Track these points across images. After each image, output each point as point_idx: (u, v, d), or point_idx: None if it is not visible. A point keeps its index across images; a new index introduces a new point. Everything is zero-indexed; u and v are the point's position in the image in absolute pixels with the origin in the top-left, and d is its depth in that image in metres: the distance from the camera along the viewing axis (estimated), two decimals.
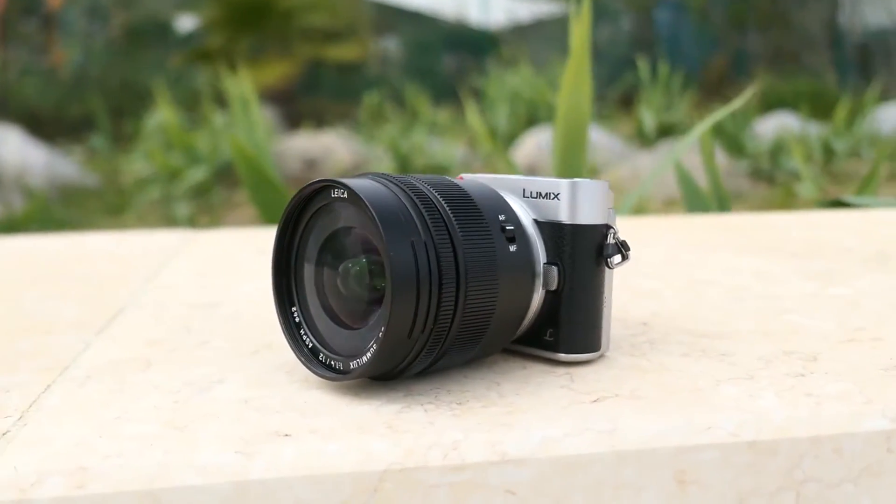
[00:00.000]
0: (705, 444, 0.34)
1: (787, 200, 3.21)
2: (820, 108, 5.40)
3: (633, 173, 3.93)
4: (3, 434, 0.35)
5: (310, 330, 0.40)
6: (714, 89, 6.56)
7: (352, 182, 0.37)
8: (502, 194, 0.42)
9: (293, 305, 0.41)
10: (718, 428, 0.35)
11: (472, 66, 7.57)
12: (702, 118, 4.99)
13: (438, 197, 0.38)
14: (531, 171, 4.16)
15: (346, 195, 0.37)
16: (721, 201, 1.08)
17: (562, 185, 0.41)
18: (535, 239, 0.41)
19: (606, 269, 0.42)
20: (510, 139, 4.56)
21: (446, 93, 6.08)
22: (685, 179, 1.14)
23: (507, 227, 0.40)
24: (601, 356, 0.43)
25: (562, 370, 0.41)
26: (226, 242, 0.82)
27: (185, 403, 0.37)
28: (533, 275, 0.41)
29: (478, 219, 0.39)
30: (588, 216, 0.41)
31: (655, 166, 3.54)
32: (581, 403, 0.37)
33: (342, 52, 7.06)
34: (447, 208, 0.38)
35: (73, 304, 0.57)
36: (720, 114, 1.09)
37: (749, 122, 4.53)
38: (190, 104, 5.04)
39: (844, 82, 6.95)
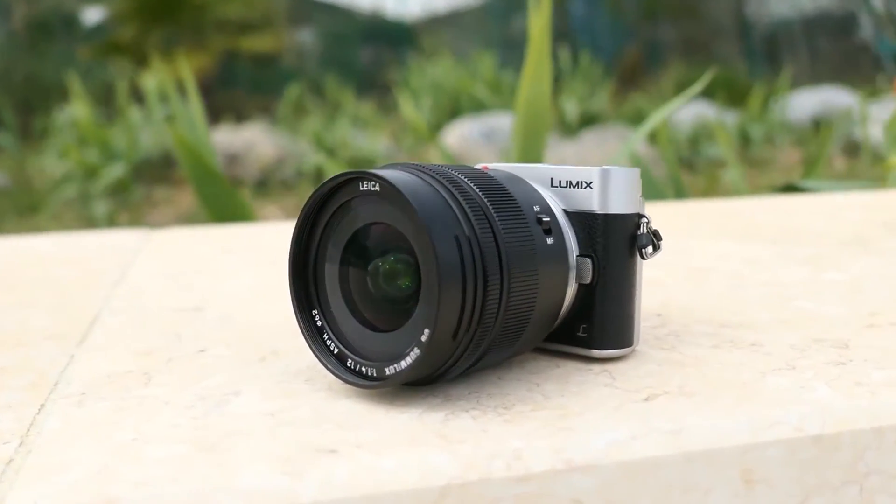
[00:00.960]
0: (771, 440, 0.33)
1: (711, 187, 3.27)
2: (733, 96, 5.53)
3: (559, 162, 3.96)
4: (8, 463, 0.31)
5: (334, 334, 0.37)
6: (629, 79, 6.67)
7: (385, 174, 0.34)
8: (532, 184, 0.40)
9: (313, 309, 0.38)
10: (783, 423, 0.33)
11: (389, 58, 7.52)
12: (621, 108, 5.07)
13: (476, 188, 0.36)
14: (458, 162, 4.15)
15: (378, 188, 0.34)
16: (678, 189, 1.08)
17: (594, 173, 0.39)
18: (567, 230, 0.39)
19: (639, 260, 0.40)
20: (434, 130, 4.54)
21: (365, 85, 6.03)
22: (640, 168, 1.14)
23: (544, 219, 0.38)
24: (633, 351, 0.41)
25: (598, 367, 0.39)
26: (185, 242, 0.78)
27: (205, 420, 0.34)
28: (567, 268, 0.38)
29: (516, 211, 0.36)
30: (621, 205, 0.39)
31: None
32: (633, 403, 0.35)
33: (258, 44, 6.93)
34: (486, 200, 0.35)
35: (40, 313, 0.53)
36: (677, 102, 1.09)
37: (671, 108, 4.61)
38: (101, 99, 4.86)
39: (754, 71, 7.15)
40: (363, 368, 0.36)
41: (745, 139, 4.29)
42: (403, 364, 0.34)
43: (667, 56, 7.95)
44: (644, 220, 0.40)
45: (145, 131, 3.90)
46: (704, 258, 0.64)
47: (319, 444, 0.31)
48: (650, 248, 0.40)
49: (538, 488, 0.31)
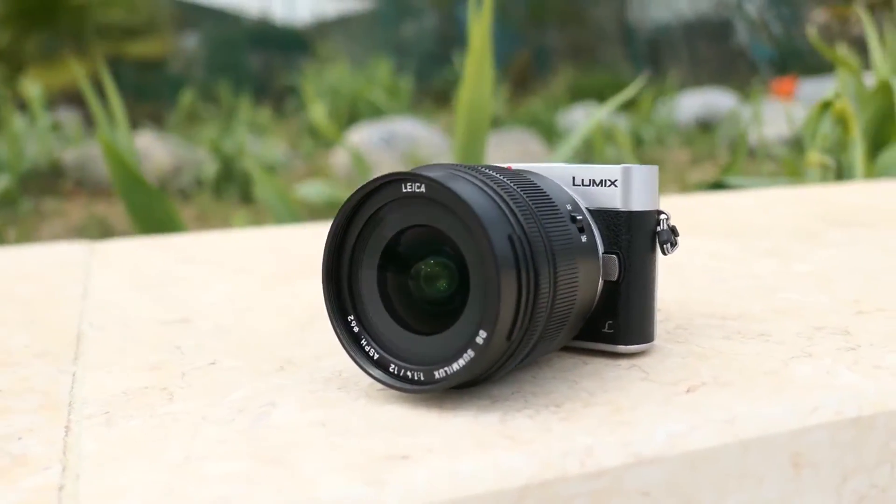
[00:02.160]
0: (815, 424, 0.34)
1: None
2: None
3: None
4: (60, 489, 0.29)
5: (373, 340, 0.36)
6: (520, 84, 6.78)
7: (432, 174, 0.34)
8: (558, 183, 0.40)
9: (349, 315, 0.37)
10: (824, 408, 0.35)
11: (280, 64, 7.43)
12: (516, 111, 5.14)
13: (516, 188, 0.36)
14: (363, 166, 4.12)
15: (423, 189, 0.34)
16: None
17: (617, 171, 0.40)
18: (594, 228, 0.39)
19: (660, 255, 0.41)
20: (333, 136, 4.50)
21: (258, 91, 5.93)
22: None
23: (577, 217, 0.38)
24: (653, 345, 0.42)
25: (625, 362, 0.40)
26: (135, 254, 0.75)
27: (253, 433, 0.33)
28: (598, 265, 0.39)
29: (554, 209, 0.37)
30: (643, 202, 0.40)
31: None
32: (676, 395, 0.36)
33: (142, 50, 6.73)
34: (528, 199, 0.35)
35: (15, 330, 0.50)
36: (614, 102, 1.11)
37: (560, 111, 4.72)
38: None
39: (638, 75, 7.38)
40: (408, 373, 0.35)
41: (636, 140, 4.42)
42: (455, 366, 0.34)
43: (554, 61, 8.12)
44: (663, 216, 0.41)
45: (30, 141, 3.73)
46: (672, 254, 0.66)
47: (388, 452, 0.31)
48: (669, 244, 0.41)
49: (610, 483, 0.31)
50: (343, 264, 0.37)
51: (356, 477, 0.29)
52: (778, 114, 4.32)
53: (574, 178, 0.41)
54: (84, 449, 0.32)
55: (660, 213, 0.41)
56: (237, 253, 0.74)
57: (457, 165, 0.36)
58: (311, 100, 3.09)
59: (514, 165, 0.41)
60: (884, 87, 1.22)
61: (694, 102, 5.70)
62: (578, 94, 5.88)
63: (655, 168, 0.41)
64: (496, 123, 4.59)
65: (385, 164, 3.85)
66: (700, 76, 6.93)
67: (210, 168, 3.64)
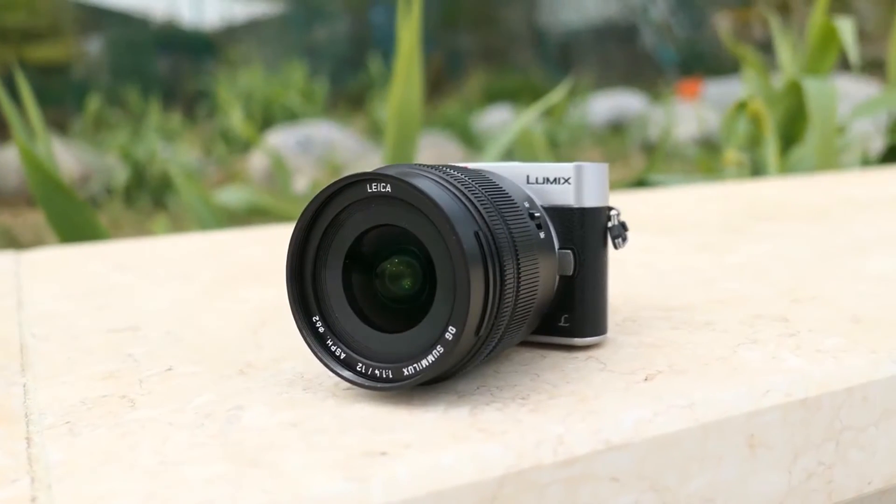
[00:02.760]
0: (768, 407, 0.36)
1: None
2: (534, 101, 5.79)
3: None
4: (33, 501, 0.29)
5: (339, 339, 0.37)
6: (434, 87, 6.81)
7: (396, 173, 0.34)
8: (514, 182, 0.41)
9: (314, 315, 0.37)
10: (774, 391, 0.36)
11: (188, 68, 7.29)
12: (432, 114, 5.16)
13: (478, 186, 0.36)
14: (272, 173, 4.08)
15: (389, 189, 0.34)
16: None
17: (570, 168, 0.41)
18: (550, 225, 0.40)
19: (611, 250, 0.42)
20: (247, 141, 4.45)
21: (164, 96, 5.80)
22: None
23: (536, 214, 0.39)
24: (606, 338, 0.43)
25: (582, 355, 0.41)
26: (68, 261, 0.73)
27: (226, 437, 0.33)
28: (555, 260, 0.40)
29: (514, 207, 0.37)
30: (595, 199, 0.41)
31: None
32: (636, 383, 0.37)
33: (44, 54, 6.51)
34: (489, 197, 0.36)
35: None
36: (542, 105, 1.13)
37: (475, 113, 4.76)
38: None
39: (549, 77, 7.50)
40: (376, 371, 0.36)
41: (552, 142, 4.49)
42: (425, 363, 0.34)
43: (467, 64, 8.19)
44: (614, 211, 0.42)
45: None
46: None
47: (365, 449, 0.31)
48: (621, 239, 0.42)
49: (582, 470, 0.32)
50: (307, 265, 0.37)
51: (338, 474, 0.29)
52: (684, 114, 4.46)
53: (528, 176, 0.42)
54: (50, 459, 0.32)
55: (610, 209, 0.42)
56: (172, 260, 0.72)
57: (418, 165, 0.37)
58: (228, 103, 3.05)
59: (470, 165, 0.41)
60: (794, 87, 1.28)
61: (605, 104, 5.83)
62: (492, 97, 5.95)
63: (606, 166, 0.42)
64: None
65: (302, 169, 3.82)
66: (609, 78, 7.08)
67: (121, 175, 3.55)
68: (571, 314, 0.41)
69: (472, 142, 4.28)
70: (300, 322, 0.37)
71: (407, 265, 0.36)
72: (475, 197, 0.35)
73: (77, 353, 0.45)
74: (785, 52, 1.55)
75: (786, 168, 1.22)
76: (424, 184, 0.34)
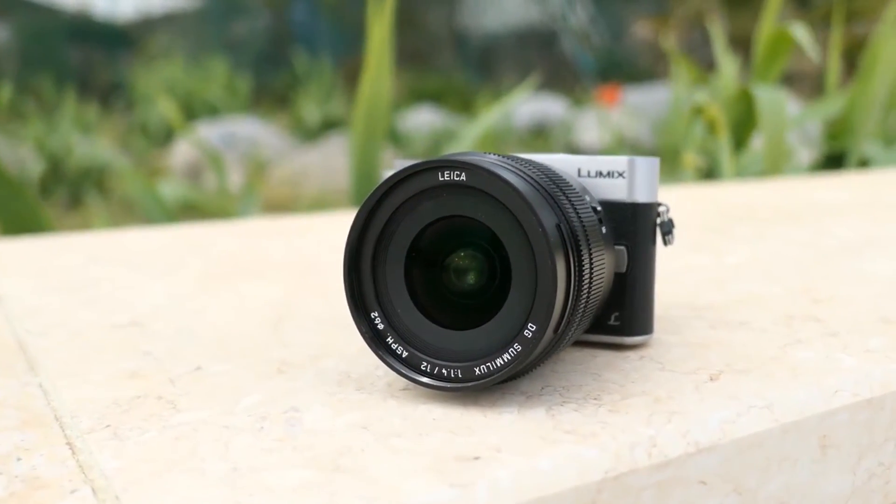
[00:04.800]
0: (838, 407, 0.35)
1: None
2: (456, 103, 5.80)
3: (303, 168, 3.92)
4: None
5: (401, 337, 0.34)
6: (354, 86, 6.76)
7: (470, 161, 0.32)
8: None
9: (372, 311, 0.35)
10: (843, 390, 0.36)
11: (102, 60, 7.07)
12: (353, 113, 5.13)
13: (547, 178, 0.35)
14: (196, 169, 3.98)
15: (464, 177, 0.33)
16: None
17: (624, 162, 0.40)
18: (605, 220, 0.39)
19: (660, 246, 0.41)
20: (167, 135, 4.33)
21: (78, 87, 5.60)
22: None
23: (598, 209, 0.38)
24: (652, 337, 0.42)
25: (633, 354, 0.40)
26: (33, 254, 0.68)
27: (295, 440, 0.31)
28: (614, 257, 0.39)
29: (582, 200, 0.36)
30: (647, 194, 0.40)
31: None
32: (704, 383, 0.36)
33: None
34: (562, 190, 0.35)
35: None
36: (503, 107, 1.12)
37: (399, 113, 4.74)
38: None
39: (471, 80, 7.54)
40: (443, 370, 0.34)
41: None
42: (500, 362, 0.32)
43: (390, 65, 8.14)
44: (663, 207, 0.41)
45: None
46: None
47: (455, 453, 0.29)
48: (670, 235, 0.41)
49: (674, 473, 0.31)
50: (365, 257, 0.35)
51: (438, 480, 0.27)
52: (605, 120, 4.53)
53: (580, 169, 0.40)
54: (106, 466, 0.29)
55: (659, 204, 0.41)
56: (147, 253, 0.69)
57: (483, 153, 0.35)
58: (154, 93, 2.95)
59: (522, 156, 0.40)
60: (743, 95, 1.30)
61: (527, 109, 5.87)
62: (416, 98, 5.93)
63: (657, 160, 0.41)
64: (337, 125, 4.55)
65: (226, 165, 3.72)
66: (531, 83, 7.15)
67: (35, 168, 3.40)
68: (622, 312, 0.40)
69: (398, 141, 4.25)
70: (357, 318, 0.35)
71: (473, 258, 0.35)
72: (550, 188, 0.34)
73: (85, 350, 0.42)
74: (727, 61, 1.59)
75: (736, 171, 1.24)
76: (505, 173, 0.32)
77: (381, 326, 0.35)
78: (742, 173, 1.27)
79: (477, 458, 0.29)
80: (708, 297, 0.51)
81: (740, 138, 1.32)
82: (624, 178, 0.40)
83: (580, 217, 0.34)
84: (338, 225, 0.86)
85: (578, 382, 0.36)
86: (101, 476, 0.28)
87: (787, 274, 0.57)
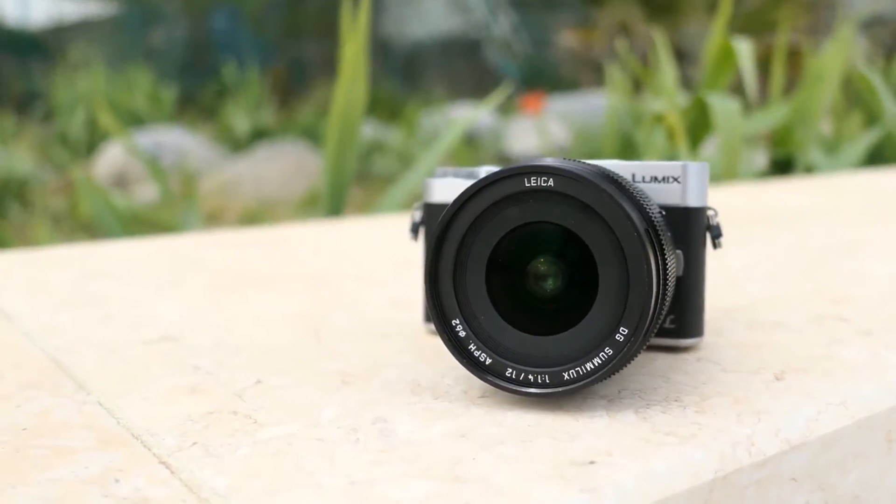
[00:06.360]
0: None
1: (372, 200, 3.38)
2: (384, 112, 5.79)
3: (234, 178, 3.85)
4: None
5: (484, 344, 0.34)
6: (280, 95, 6.68)
7: (561, 166, 0.32)
8: None
9: (454, 319, 0.34)
10: None
11: (14, 68, 6.84)
12: (285, 123, 5.06)
13: (626, 184, 0.35)
14: (122, 180, 3.88)
15: (552, 183, 0.33)
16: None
17: (678, 167, 0.40)
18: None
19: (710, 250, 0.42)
20: (89, 146, 4.21)
21: None
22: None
23: (663, 213, 0.38)
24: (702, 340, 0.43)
25: (689, 356, 0.41)
26: (15, 268, 0.65)
27: (399, 451, 0.30)
28: (676, 260, 0.39)
29: (651, 204, 0.36)
30: (700, 198, 0.41)
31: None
32: (772, 383, 0.37)
33: None
34: (640, 194, 0.35)
35: None
36: (491, 101, 1.12)
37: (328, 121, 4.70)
38: None
39: (396, 89, 7.53)
40: (529, 376, 0.33)
41: (405, 155, 4.50)
42: (590, 366, 0.33)
43: (312, 73, 8.09)
44: (711, 212, 0.42)
45: None
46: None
47: (569, 458, 0.29)
48: (720, 239, 0.42)
49: (771, 471, 0.31)
50: (445, 264, 0.34)
51: (565, 486, 0.27)
52: (529, 128, 4.58)
53: (634, 174, 0.41)
54: (214, 485, 0.28)
55: (709, 208, 0.42)
56: (140, 266, 0.67)
57: (562, 160, 0.35)
58: (89, 100, 2.86)
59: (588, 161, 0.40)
60: (696, 102, 1.34)
61: (445, 117, 5.89)
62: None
63: (707, 165, 0.42)
64: (266, 134, 4.49)
65: (157, 175, 3.63)
66: (456, 91, 7.19)
67: None
68: (678, 315, 0.41)
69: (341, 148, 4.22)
70: (439, 326, 0.34)
71: (553, 264, 0.35)
72: (631, 193, 0.34)
73: (127, 366, 0.40)
74: (667, 68, 1.62)
75: None
76: (595, 179, 0.32)
77: (462, 334, 0.34)
78: None
79: (592, 463, 0.29)
80: (730, 300, 0.52)
81: (692, 145, 1.36)
82: (679, 182, 0.40)
83: (659, 224, 0.35)
84: (324, 234, 0.85)
85: (651, 385, 0.36)
86: (215, 495, 0.27)
87: (792, 276, 0.59)
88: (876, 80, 1.71)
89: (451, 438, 0.31)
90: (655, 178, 0.40)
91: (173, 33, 8.67)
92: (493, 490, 0.27)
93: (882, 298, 0.52)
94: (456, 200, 0.34)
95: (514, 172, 0.33)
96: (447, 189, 0.43)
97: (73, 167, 4.08)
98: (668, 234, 0.37)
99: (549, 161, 0.34)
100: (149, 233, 1.46)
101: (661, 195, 0.40)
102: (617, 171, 0.40)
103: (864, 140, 1.59)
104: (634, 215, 0.32)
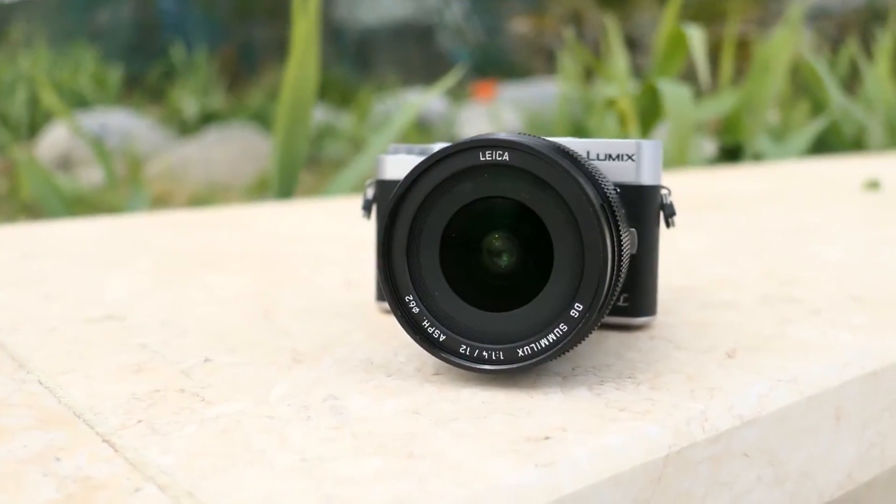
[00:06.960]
0: (850, 379, 0.37)
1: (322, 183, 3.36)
2: (335, 97, 5.75)
3: (182, 161, 3.79)
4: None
5: (438, 320, 0.34)
6: (230, 77, 6.59)
7: (517, 140, 0.32)
8: None
9: (407, 294, 0.34)
10: (850, 364, 0.37)
11: None
12: (234, 107, 4.99)
13: (580, 160, 0.35)
14: (66, 162, 3.80)
15: (507, 157, 0.32)
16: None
17: (632, 145, 0.40)
18: None
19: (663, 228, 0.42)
20: (32, 128, 4.11)
21: None
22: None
23: (617, 190, 0.38)
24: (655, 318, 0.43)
25: (642, 335, 0.41)
26: None
27: (352, 428, 0.29)
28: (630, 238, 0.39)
29: (606, 181, 0.36)
30: (653, 176, 0.41)
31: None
32: (725, 360, 0.37)
33: None
34: (592, 172, 0.35)
35: None
36: (441, 86, 1.11)
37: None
38: None
39: (348, 73, 7.48)
40: (483, 353, 0.33)
41: (356, 140, 4.48)
42: (544, 342, 0.32)
43: (262, 56, 7.99)
44: (664, 191, 0.42)
45: None
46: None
47: (523, 434, 0.29)
48: (672, 218, 0.42)
49: (724, 447, 0.31)
50: (398, 241, 0.34)
51: (520, 461, 0.27)
52: (481, 114, 4.59)
53: (588, 152, 0.40)
54: (161, 463, 0.27)
55: (663, 187, 0.42)
56: (81, 245, 0.65)
57: (516, 134, 0.35)
58: (21, 84, 2.79)
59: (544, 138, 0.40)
60: (647, 89, 1.35)
61: (398, 102, 5.86)
62: None
63: (661, 143, 0.41)
64: (216, 118, 4.43)
65: (97, 161, 3.56)
66: (408, 77, 7.16)
67: None
68: (631, 293, 0.41)
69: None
70: (393, 302, 0.34)
71: (508, 240, 0.34)
72: (586, 169, 0.34)
73: (70, 345, 0.39)
74: (619, 55, 1.63)
75: None
76: (550, 153, 0.32)
77: (416, 310, 0.34)
78: None
79: (547, 438, 0.29)
80: (683, 280, 0.52)
81: (643, 131, 1.37)
82: (633, 160, 0.40)
83: (614, 199, 0.34)
84: (274, 215, 0.83)
85: (605, 362, 0.36)
86: (161, 472, 0.26)
87: (742, 258, 0.60)
88: (822, 70, 1.74)
89: (404, 415, 0.31)
90: (610, 156, 0.40)
91: (119, 13, 8.50)
92: (447, 466, 0.26)
93: (829, 280, 0.53)
94: (409, 174, 0.33)
95: (469, 146, 0.32)
96: (400, 165, 0.42)
97: (14, 148, 3.99)
98: (623, 211, 0.37)
99: (504, 135, 0.33)
100: (92, 214, 1.43)
101: (616, 173, 0.40)
102: (572, 147, 0.40)
103: (811, 129, 1.62)
104: (590, 191, 0.32)
